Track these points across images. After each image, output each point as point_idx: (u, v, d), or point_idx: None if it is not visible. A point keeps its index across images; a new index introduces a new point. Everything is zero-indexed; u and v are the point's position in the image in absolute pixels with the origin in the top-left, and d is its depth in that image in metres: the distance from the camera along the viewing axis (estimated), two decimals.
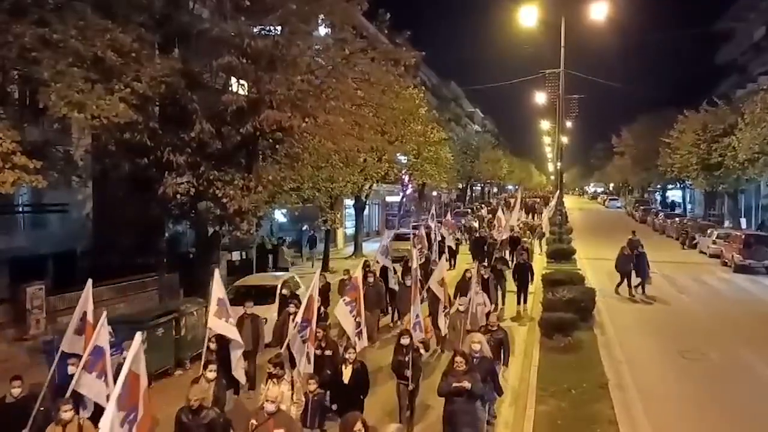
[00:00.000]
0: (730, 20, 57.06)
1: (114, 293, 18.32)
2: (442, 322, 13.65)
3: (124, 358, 9.02)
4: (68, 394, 8.12)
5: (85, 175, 17.85)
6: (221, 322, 10.37)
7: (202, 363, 9.36)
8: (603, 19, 31.32)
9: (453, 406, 8.48)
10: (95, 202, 21.02)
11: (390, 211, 48.35)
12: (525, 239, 25.71)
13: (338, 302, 11.53)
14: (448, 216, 33.05)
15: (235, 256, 25.17)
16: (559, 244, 29.51)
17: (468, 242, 32.26)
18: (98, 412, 8.42)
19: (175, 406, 8.01)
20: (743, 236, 28.81)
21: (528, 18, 31.60)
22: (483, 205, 65.00)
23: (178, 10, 16.04)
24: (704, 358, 14.54)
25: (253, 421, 7.51)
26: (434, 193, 59.08)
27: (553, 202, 45.07)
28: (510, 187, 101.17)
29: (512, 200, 48.17)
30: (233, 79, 16.72)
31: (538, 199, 68.64)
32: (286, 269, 26.05)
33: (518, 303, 19.10)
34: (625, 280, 21.49)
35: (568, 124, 51.44)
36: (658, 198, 72.55)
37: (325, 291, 15.88)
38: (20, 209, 19.46)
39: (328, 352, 10.55)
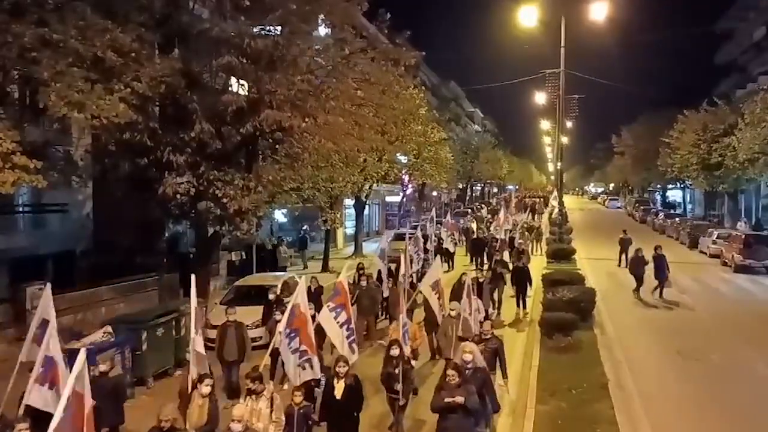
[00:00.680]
0: (729, 20, 57.11)
1: (114, 293, 18.34)
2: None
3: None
4: (21, 411, 7.86)
5: (85, 175, 17.84)
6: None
7: (196, 377, 8.62)
8: (603, 19, 31.38)
9: (447, 422, 8.00)
10: (95, 202, 21.03)
11: (390, 211, 48.37)
12: (520, 240, 25.04)
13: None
14: (448, 217, 32.91)
15: (235, 256, 25.17)
16: (559, 244, 29.53)
17: (465, 244, 31.81)
18: None
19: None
20: (743, 236, 28.83)
21: (528, 18, 31.63)
22: (483, 205, 65.01)
23: (178, 10, 16.02)
24: (704, 358, 14.53)
25: None
26: (434, 193, 59.10)
27: (553, 202, 45.03)
28: (510, 186, 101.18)
29: (510, 200, 48.30)
30: (233, 79, 16.70)
31: (538, 199, 68.63)
32: (285, 268, 26.08)
33: (517, 306, 18.84)
34: (642, 283, 21.02)
35: (568, 124, 51.50)
36: (659, 198, 72.57)
37: (317, 295, 15.28)
38: (20, 209, 19.46)
39: None
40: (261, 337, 13.97)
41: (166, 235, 21.49)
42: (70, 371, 6.14)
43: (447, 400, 7.88)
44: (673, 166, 47.08)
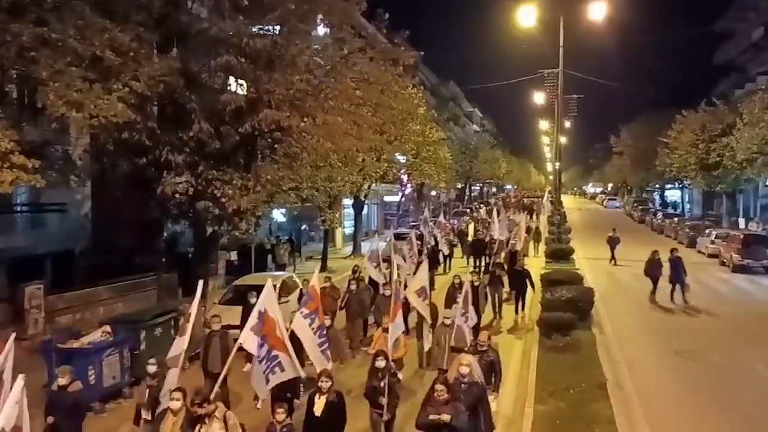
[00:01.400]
0: (728, 20, 57.19)
1: (112, 293, 18.35)
2: (426, 337, 12.56)
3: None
4: None
5: (84, 174, 17.84)
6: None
7: (169, 393, 7.95)
8: (602, 19, 31.43)
9: None
10: (94, 201, 21.02)
11: (389, 211, 48.38)
12: (513, 241, 23.93)
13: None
14: (441, 217, 32.31)
15: (234, 255, 25.16)
16: (558, 244, 29.56)
17: (461, 246, 30.69)
18: None
19: None
20: (742, 236, 28.86)
21: (527, 18, 31.66)
22: (482, 205, 65.00)
23: (176, 9, 16.04)
24: (703, 358, 14.54)
25: None
26: (433, 193, 59.10)
27: (546, 204, 44.95)
28: (509, 186, 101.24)
29: (509, 200, 48.12)
30: (232, 79, 16.70)
31: (536, 199, 68.43)
32: (284, 267, 26.07)
33: (516, 312, 18.04)
34: (657, 286, 20.54)
35: (567, 124, 51.57)
36: (657, 198, 72.65)
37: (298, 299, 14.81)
38: (18, 209, 19.44)
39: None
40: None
41: (165, 234, 21.47)
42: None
43: (432, 417, 7.30)
44: (672, 166, 47.13)
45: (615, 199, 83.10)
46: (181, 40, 16.13)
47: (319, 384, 8.15)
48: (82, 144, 17.96)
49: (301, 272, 23.50)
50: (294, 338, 9.55)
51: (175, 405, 7.68)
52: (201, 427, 7.38)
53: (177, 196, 15.38)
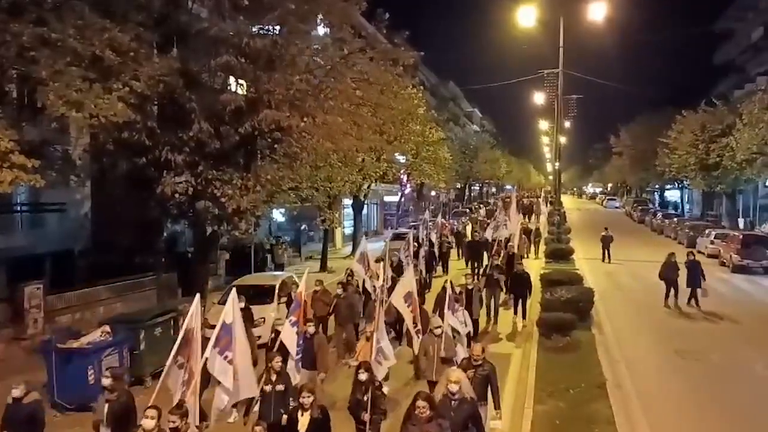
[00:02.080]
0: (728, 20, 57.23)
1: (112, 293, 18.34)
2: (415, 345, 11.81)
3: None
4: None
5: (84, 174, 17.85)
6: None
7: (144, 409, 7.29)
8: (601, 19, 31.39)
9: None
10: (93, 201, 21.01)
11: (388, 211, 48.40)
12: (511, 243, 23.02)
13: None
14: (439, 218, 31.50)
15: (226, 256, 25.07)
16: (558, 244, 29.56)
17: (457, 247, 29.96)
18: None
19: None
20: (741, 236, 28.87)
21: (526, 18, 31.62)
22: (481, 205, 64.96)
23: (176, 9, 16.04)
24: (702, 358, 14.54)
25: None
26: (433, 193, 59.11)
27: (542, 207, 44.74)
28: (509, 186, 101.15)
29: (508, 200, 47.71)
30: (232, 79, 16.71)
31: (536, 199, 68.23)
32: (283, 266, 26.07)
33: (515, 316, 17.44)
34: (672, 291, 19.70)
35: (567, 124, 51.53)
36: (657, 198, 72.64)
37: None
38: (18, 208, 19.44)
39: (279, 387, 8.75)
40: (260, 337, 13.89)
41: (165, 234, 21.48)
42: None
43: None
44: (671, 166, 47.13)
45: (614, 199, 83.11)
46: (181, 39, 16.13)
47: (301, 400, 7.67)
48: (82, 144, 17.97)
49: (302, 272, 23.48)
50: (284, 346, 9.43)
51: (148, 424, 6.99)
52: None
53: (177, 195, 15.38)
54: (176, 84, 14.85)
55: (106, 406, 8.23)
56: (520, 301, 17.35)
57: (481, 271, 21.91)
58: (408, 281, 12.30)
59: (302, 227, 33.04)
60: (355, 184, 28.72)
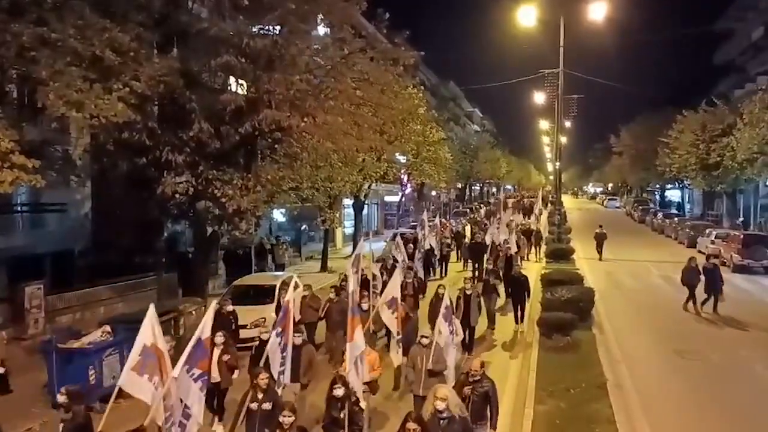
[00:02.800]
0: (728, 20, 57.17)
1: (112, 293, 18.35)
2: (394, 354, 11.30)
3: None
4: None
5: (84, 174, 17.86)
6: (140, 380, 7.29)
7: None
8: (602, 19, 31.37)
9: None
10: (94, 201, 21.02)
11: (389, 211, 48.39)
12: (508, 245, 22.53)
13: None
14: (437, 220, 30.86)
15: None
16: (558, 244, 29.57)
17: (456, 249, 29.58)
18: None
19: None
20: (742, 236, 28.86)
21: (527, 18, 31.61)
22: (482, 205, 64.92)
23: (176, 9, 16.04)
24: (703, 358, 14.55)
25: None
26: (433, 193, 59.10)
27: (538, 206, 44.50)
28: (509, 186, 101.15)
29: (509, 200, 47.69)
30: (232, 79, 16.71)
31: (535, 199, 68.03)
32: (283, 266, 26.07)
33: (516, 322, 16.91)
34: (694, 296, 19.10)
35: (567, 124, 51.51)
36: (657, 198, 72.60)
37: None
38: (19, 209, 19.44)
39: (266, 405, 8.09)
40: (260, 337, 13.85)
41: (165, 234, 21.47)
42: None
43: None
44: (672, 166, 47.10)
45: (615, 199, 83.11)
46: (181, 40, 16.13)
47: (281, 419, 7.16)
48: (82, 144, 17.97)
49: (302, 272, 23.52)
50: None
51: None
52: None
53: (177, 196, 15.38)
54: (176, 84, 14.85)
55: (61, 426, 7.76)
56: (519, 306, 16.87)
57: (481, 274, 21.51)
58: (393, 286, 11.57)
59: (303, 227, 33.04)
60: (356, 184, 28.72)
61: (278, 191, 17.67)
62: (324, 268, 27.73)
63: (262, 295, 16.18)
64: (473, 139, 75.44)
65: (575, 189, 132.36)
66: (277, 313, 13.16)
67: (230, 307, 13.27)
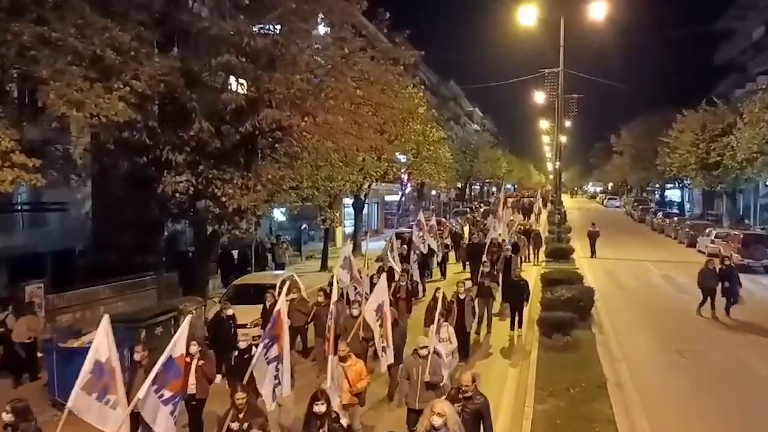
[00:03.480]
0: (728, 20, 57.14)
1: (113, 292, 18.35)
2: (382, 363, 10.82)
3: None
4: None
5: (84, 173, 17.84)
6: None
7: None
8: (602, 19, 31.38)
9: None
10: (94, 200, 21.03)
11: (389, 210, 48.39)
12: (508, 247, 21.62)
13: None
14: (433, 221, 29.91)
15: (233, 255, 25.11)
16: (558, 244, 29.57)
17: (454, 250, 28.88)
18: None
19: None
20: (742, 236, 28.86)
21: (527, 17, 31.62)
22: (482, 205, 64.87)
23: (177, 8, 16.03)
24: (703, 358, 14.55)
25: None
26: (433, 192, 59.11)
27: (537, 206, 44.32)
28: (509, 186, 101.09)
29: (509, 199, 47.50)
30: (232, 78, 16.72)
31: (534, 198, 67.82)
32: (283, 266, 26.07)
33: (511, 328, 16.08)
34: (709, 300, 18.44)
35: (567, 123, 51.46)
36: (658, 197, 72.58)
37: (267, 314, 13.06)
38: (19, 208, 19.45)
39: (246, 425, 7.57)
40: (259, 336, 13.84)
41: (165, 233, 21.46)
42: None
43: None
44: (672, 165, 47.09)
45: (615, 199, 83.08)
46: (181, 39, 16.14)
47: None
48: (83, 143, 17.98)
49: (302, 272, 23.52)
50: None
51: None
52: None
53: (177, 195, 15.39)
54: (177, 83, 14.85)
55: None
56: (516, 312, 16.08)
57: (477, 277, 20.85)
58: (381, 291, 10.88)
59: (303, 226, 33.05)
60: (356, 183, 28.72)
61: (278, 190, 17.66)
62: (324, 267, 27.73)
63: (262, 294, 16.17)
64: (473, 139, 75.36)
65: (573, 188, 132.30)
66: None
67: (230, 311, 13.19)
